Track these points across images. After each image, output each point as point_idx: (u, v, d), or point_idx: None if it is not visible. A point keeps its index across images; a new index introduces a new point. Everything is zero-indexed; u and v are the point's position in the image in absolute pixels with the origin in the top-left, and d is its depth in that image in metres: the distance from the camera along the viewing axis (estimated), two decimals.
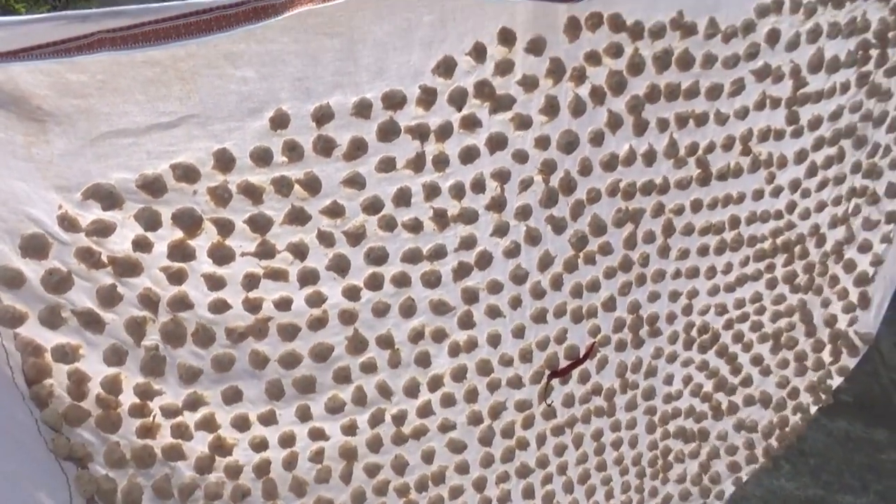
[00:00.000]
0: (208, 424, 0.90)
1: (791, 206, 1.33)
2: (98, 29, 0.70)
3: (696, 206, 1.21)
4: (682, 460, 1.50)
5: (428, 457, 1.14)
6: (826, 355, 1.54)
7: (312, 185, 0.85)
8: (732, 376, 1.45)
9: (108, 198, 0.75)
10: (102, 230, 0.76)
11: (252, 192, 0.82)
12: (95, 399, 0.82)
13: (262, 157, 0.81)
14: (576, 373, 1.24)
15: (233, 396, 0.90)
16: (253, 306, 0.88)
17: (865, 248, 1.45)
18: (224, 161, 0.79)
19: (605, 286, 1.19)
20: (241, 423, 0.92)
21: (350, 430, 1.02)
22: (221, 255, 0.83)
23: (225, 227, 0.82)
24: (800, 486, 2.51)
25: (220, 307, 0.86)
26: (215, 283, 0.84)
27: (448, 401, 1.11)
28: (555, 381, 1.22)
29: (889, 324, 1.49)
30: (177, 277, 0.82)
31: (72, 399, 0.82)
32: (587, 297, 1.18)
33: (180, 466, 0.93)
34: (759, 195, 1.28)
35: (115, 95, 0.73)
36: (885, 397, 2.88)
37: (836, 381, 1.57)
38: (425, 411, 1.09)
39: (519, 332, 1.13)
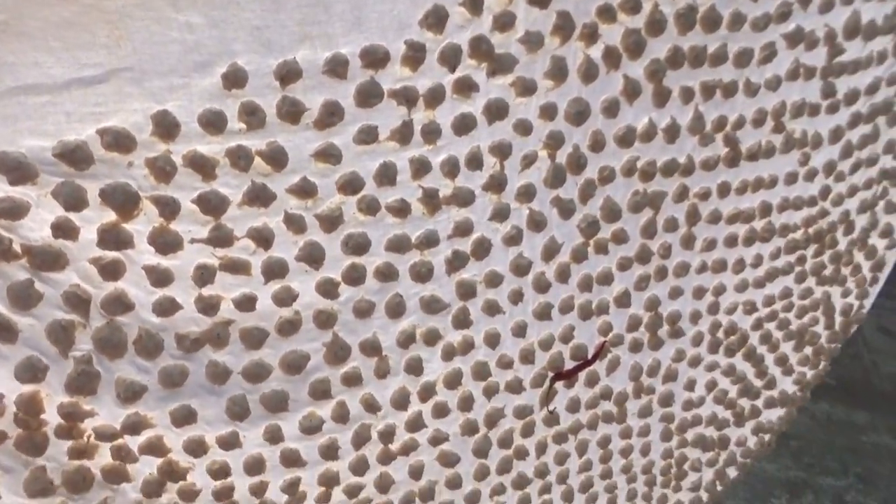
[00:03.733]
0: (155, 449, 0.74)
1: (825, 192, 1.19)
2: None
3: (724, 190, 1.07)
4: (698, 469, 1.36)
5: (416, 472, 0.99)
6: (836, 345, 1.41)
7: (277, 158, 0.71)
8: (758, 380, 1.31)
9: (16, 169, 0.60)
10: (12, 211, 0.61)
11: (202, 166, 0.67)
12: (13, 418, 0.67)
13: (213, 123, 0.66)
14: (583, 375, 1.10)
15: (185, 417, 0.75)
16: (209, 306, 0.73)
17: (886, 232, 1.32)
18: (166, 126, 0.65)
19: (618, 279, 1.05)
20: (197, 447, 0.77)
21: (331, 452, 0.86)
22: (166, 242, 0.68)
23: (169, 208, 0.67)
24: (781, 468, 2.47)
25: (167, 308, 0.71)
26: (160, 277, 0.69)
27: (441, 411, 0.96)
28: (559, 385, 1.08)
29: (872, 307, 1.45)
30: (112, 271, 0.67)
31: None
32: (598, 291, 1.04)
33: (125, 488, 0.77)
34: (792, 179, 1.14)
35: (23, 41, 0.58)
36: (866, 380, 2.85)
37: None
38: (415, 424, 0.94)
39: (520, 331, 0.99)
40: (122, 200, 0.64)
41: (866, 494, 2.34)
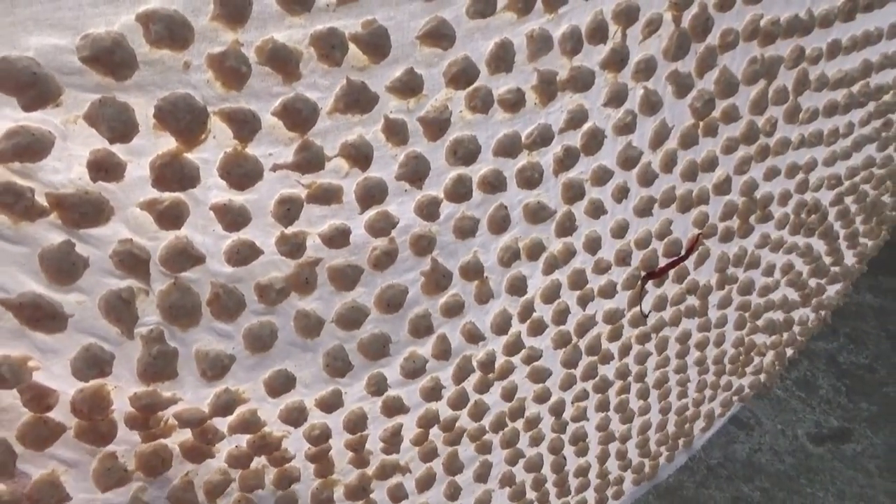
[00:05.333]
0: (249, 426, 0.60)
1: None
2: None
3: (834, 49, 0.92)
4: (763, 353, 1.31)
5: (509, 394, 0.88)
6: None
7: (377, 45, 0.51)
8: (829, 257, 1.23)
9: (29, 85, 0.40)
10: (29, 148, 0.42)
11: (283, 61, 0.48)
12: (71, 409, 0.51)
13: None
14: (672, 271, 0.99)
15: (283, 384, 0.60)
16: (293, 247, 0.56)
17: None
18: (233, 5, 0.44)
19: (721, 163, 0.91)
20: (297, 416, 0.63)
21: (434, 393, 0.74)
22: (243, 174, 0.50)
23: (245, 125, 0.48)
24: None
25: (244, 255, 0.54)
26: (234, 218, 0.52)
27: (537, 327, 0.84)
28: (649, 284, 0.97)
29: None
30: (172, 217, 0.49)
31: (32, 410, 0.50)
32: (700, 179, 0.90)
33: (208, 461, 0.64)
34: (895, 31, 0.99)
35: None
36: None
37: None
38: (514, 347, 0.82)
39: (620, 231, 0.86)
40: (187, 121, 0.45)
41: (857, 354, 2.38)
